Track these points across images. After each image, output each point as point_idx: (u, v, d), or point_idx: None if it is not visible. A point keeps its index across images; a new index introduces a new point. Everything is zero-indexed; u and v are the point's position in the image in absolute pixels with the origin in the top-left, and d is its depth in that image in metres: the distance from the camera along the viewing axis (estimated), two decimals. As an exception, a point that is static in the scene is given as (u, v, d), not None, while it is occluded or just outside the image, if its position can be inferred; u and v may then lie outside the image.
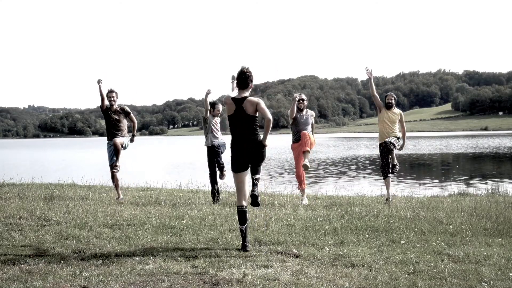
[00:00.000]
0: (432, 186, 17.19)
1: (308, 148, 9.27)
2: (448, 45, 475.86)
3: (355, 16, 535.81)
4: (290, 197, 10.55)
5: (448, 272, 4.65)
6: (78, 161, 36.86)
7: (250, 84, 5.68)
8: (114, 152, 9.58)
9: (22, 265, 4.82)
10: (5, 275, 4.47)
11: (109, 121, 9.69)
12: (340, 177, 21.40)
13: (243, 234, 5.53)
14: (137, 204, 9.11)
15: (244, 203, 5.63)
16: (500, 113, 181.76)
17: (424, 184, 18.11)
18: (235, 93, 5.83)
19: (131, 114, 9.90)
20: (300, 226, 6.80)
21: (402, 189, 14.39)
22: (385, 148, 9.38)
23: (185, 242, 5.88)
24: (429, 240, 6.02)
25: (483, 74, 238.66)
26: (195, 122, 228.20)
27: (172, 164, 32.41)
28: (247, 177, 5.69)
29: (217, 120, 9.76)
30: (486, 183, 17.19)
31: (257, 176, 5.71)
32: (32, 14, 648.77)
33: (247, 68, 5.67)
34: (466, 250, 5.52)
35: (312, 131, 9.63)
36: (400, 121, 9.59)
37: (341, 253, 5.37)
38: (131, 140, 9.94)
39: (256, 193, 5.65)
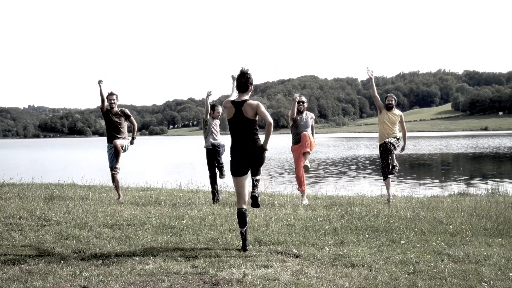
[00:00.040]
0: (432, 186, 17.19)
1: (308, 149, 9.27)
2: (448, 45, 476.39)
3: (355, 16, 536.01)
4: (290, 197, 10.55)
5: (448, 272, 4.65)
6: (78, 161, 36.87)
7: (250, 87, 5.65)
8: (114, 154, 9.57)
9: (22, 265, 4.82)
10: (5, 275, 4.47)
11: (109, 124, 9.68)
12: (340, 177, 21.40)
13: (243, 237, 5.53)
14: (137, 204, 9.12)
15: (244, 206, 5.62)
16: (500, 113, 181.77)
17: (424, 184, 18.11)
18: (234, 96, 5.80)
19: (131, 117, 9.89)
20: (300, 226, 6.80)
21: (402, 189, 14.40)
22: (385, 149, 9.38)
23: (185, 242, 5.88)
24: (429, 240, 6.02)
25: (483, 74, 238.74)
26: (195, 122, 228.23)
27: (172, 164, 32.42)
28: (247, 180, 5.69)
29: (217, 122, 9.77)
30: (486, 183, 17.19)
31: (257, 177, 5.69)
32: (32, 14, 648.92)
33: (247, 70, 5.64)
34: (466, 250, 5.51)
35: (312, 133, 9.62)
36: (401, 122, 9.59)
37: (341, 253, 5.37)
38: (131, 143, 9.94)
39: (257, 195, 5.63)
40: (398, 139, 9.50)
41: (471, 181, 18.69)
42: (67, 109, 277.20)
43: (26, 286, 4.22)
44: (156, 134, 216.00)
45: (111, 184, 10.54)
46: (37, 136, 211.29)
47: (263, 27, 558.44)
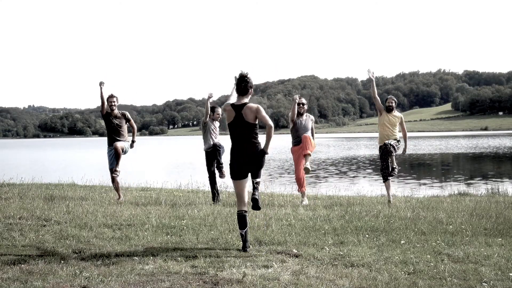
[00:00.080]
0: (432, 186, 17.20)
1: (309, 151, 9.28)
2: (448, 45, 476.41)
3: (355, 16, 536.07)
4: (290, 197, 10.56)
5: (448, 272, 4.65)
6: (78, 161, 36.88)
7: (250, 91, 5.64)
8: (114, 156, 9.56)
9: (22, 265, 4.82)
10: (5, 275, 4.47)
11: (110, 126, 9.66)
12: (340, 177, 21.40)
13: (244, 238, 5.53)
14: (137, 204, 9.11)
15: (244, 208, 5.61)
16: (500, 113, 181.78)
17: (424, 184, 18.11)
18: (234, 99, 5.78)
19: (131, 121, 9.87)
20: (300, 226, 6.80)
21: (402, 189, 14.40)
22: (385, 151, 9.38)
23: (185, 242, 5.88)
24: (429, 240, 6.02)
25: (483, 74, 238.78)
26: (195, 122, 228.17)
27: (172, 164, 32.42)
28: (247, 183, 5.68)
29: (216, 124, 9.76)
30: (486, 183, 17.20)
31: (258, 179, 5.67)
32: (32, 14, 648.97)
33: (247, 74, 5.62)
34: (466, 250, 5.51)
35: (312, 135, 9.61)
36: (401, 124, 9.60)
37: (341, 253, 5.37)
38: (131, 146, 9.92)
39: (257, 197, 5.61)
40: (398, 141, 9.51)
41: (471, 181, 18.69)
42: (67, 109, 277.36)
43: (26, 286, 4.22)
44: (156, 134, 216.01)
45: (111, 184, 10.54)
46: (37, 136, 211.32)
47: (263, 27, 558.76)
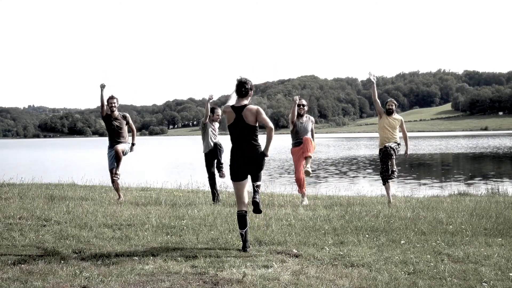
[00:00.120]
0: (432, 186, 17.20)
1: (310, 154, 9.29)
2: (448, 45, 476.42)
3: (355, 16, 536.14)
4: (290, 197, 10.56)
5: (448, 272, 4.65)
6: (78, 161, 36.88)
7: (250, 93, 5.65)
8: (114, 158, 9.55)
9: (22, 265, 4.82)
10: (5, 275, 4.47)
11: (110, 128, 9.64)
12: (340, 177, 21.40)
13: (244, 238, 5.53)
14: (137, 204, 9.11)
15: (244, 208, 5.61)
16: (500, 113, 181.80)
17: (424, 184, 18.12)
18: (233, 101, 5.77)
19: (131, 123, 9.85)
20: (300, 226, 6.80)
21: (402, 189, 14.41)
22: (385, 153, 9.39)
23: (185, 242, 5.88)
24: (429, 240, 6.02)
25: (483, 74, 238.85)
26: (195, 122, 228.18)
27: (172, 164, 32.42)
28: (247, 184, 5.68)
29: (216, 125, 9.75)
30: (486, 183, 17.20)
31: (258, 183, 5.66)
32: (32, 14, 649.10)
33: (246, 80, 5.61)
34: (466, 250, 5.51)
35: (312, 136, 9.60)
36: (401, 126, 9.60)
37: (341, 253, 5.37)
38: (131, 149, 9.90)
39: (258, 200, 5.60)
40: (398, 144, 9.53)
41: (471, 181, 18.69)
42: (67, 109, 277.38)
43: (26, 286, 4.22)
44: (156, 134, 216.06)
45: (111, 184, 10.54)
46: (37, 136, 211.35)
47: (263, 27, 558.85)
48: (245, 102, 5.61)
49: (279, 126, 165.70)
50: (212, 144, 9.53)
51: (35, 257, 5.13)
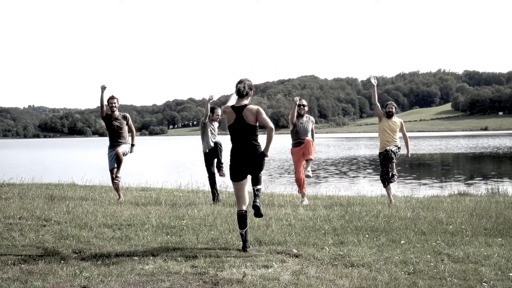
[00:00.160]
0: (432, 186, 17.20)
1: (311, 156, 9.31)
2: (448, 45, 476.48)
3: (355, 16, 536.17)
4: (290, 197, 10.56)
5: (448, 272, 4.65)
6: (78, 161, 36.88)
7: (250, 93, 5.66)
8: (116, 161, 9.55)
9: (22, 265, 4.82)
10: (5, 275, 4.47)
11: (110, 128, 9.64)
12: (340, 177, 21.40)
13: (244, 238, 5.52)
14: (137, 204, 9.11)
15: (244, 208, 5.61)
16: (500, 113, 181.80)
17: (424, 184, 18.12)
18: (233, 101, 5.77)
19: (131, 124, 9.85)
20: (300, 226, 6.80)
21: (402, 189, 14.42)
22: (386, 157, 9.40)
23: (185, 242, 5.88)
24: (429, 240, 6.02)
25: (483, 74, 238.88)
26: (195, 122, 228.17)
27: (172, 164, 32.43)
28: (247, 184, 5.68)
29: (216, 125, 9.76)
30: (486, 183, 17.21)
31: (259, 186, 5.66)
32: (32, 14, 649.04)
33: (245, 80, 5.62)
34: (466, 250, 5.51)
35: (312, 137, 9.61)
36: (401, 129, 9.61)
37: (341, 253, 5.37)
38: (131, 150, 9.90)
39: (258, 204, 5.60)
40: (399, 148, 9.55)
41: (471, 181, 18.69)
42: (67, 109, 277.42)
43: (26, 286, 4.22)
44: (156, 134, 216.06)
45: (111, 184, 10.55)
46: (37, 136, 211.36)
47: (263, 27, 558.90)
48: (245, 102, 5.61)
49: (279, 126, 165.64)
50: (211, 143, 9.54)
51: (35, 257, 5.13)
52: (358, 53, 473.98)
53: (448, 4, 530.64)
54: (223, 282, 4.33)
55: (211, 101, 9.51)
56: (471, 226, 6.83)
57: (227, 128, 5.71)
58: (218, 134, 9.82)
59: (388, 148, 9.39)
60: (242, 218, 5.55)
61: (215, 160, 9.64)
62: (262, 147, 5.60)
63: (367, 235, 6.31)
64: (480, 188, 15.01)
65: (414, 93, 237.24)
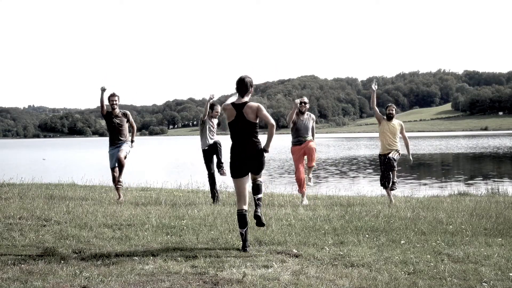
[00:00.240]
0: (432, 186, 17.20)
1: (314, 163, 9.37)
2: (448, 45, 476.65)
3: (355, 16, 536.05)
4: (290, 197, 10.56)
5: (448, 272, 4.64)
6: (78, 161, 36.88)
7: (250, 89, 5.67)
8: (116, 159, 9.55)
9: (22, 265, 4.81)
10: (5, 275, 4.47)
11: (111, 126, 9.65)
12: (340, 177, 21.40)
13: (244, 237, 5.52)
14: (137, 204, 9.11)
15: (244, 207, 5.60)
16: (500, 113, 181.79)
17: (424, 184, 18.11)
18: (233, 99, 5.77)
19: (132, 121, 9.88)
20: (300, 226, 6.80)
21: (402, 189, 14.40)
22: (388, 164, 9.42)
23: (185, 242, 5.88)
24: (429, 240, 6.02)
25: (483, 74, 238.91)
26: (195, 122, 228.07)
27: (172, 164, 32.42)
28: (247, 182, 5.68)
29: (215, 121, 9.76)
30: (486, 183, 17.21)
31: (259, 196, 5.67)
32: (32, 14, 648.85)
33: (245, 77, 5.63)
34: (466, 250, 5.51)
35: (313, 134, 9.62)
36: (401, 132, 9.62)
37: (341, 253, 5.37)
38: (131, 146, 9.92)
39: (259, 214, 5.61)
40: (399, 153, 9.58)
41: (471, 181, 18.69)
42: (67, 109, 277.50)
43: (26, 286, 4.21)
44: (156, 134, 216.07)
45: (111, 184, 10.55)
46: (37, 136, 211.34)
47: (263, 27, 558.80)
48: (246, 99, 5.62)
49: (279, 126, 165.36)
50: (210, 140, 9.55)
51: (35, 257, 5.13)
52: (358, 53, 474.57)
53: (448, 4, 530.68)
54: (223, 282, 4.33)
55: (211, 100, 9.51)
56: (471, 226, 6.83)
57: (226, 128, 5.72)
58: (217, 134, 9.83)
59: (390, 156, 9.39)
60: (242, 217, 5.55)
61: (214, 156, 9.64)
62: (262, 145, 5.61)
63: (367, 235, 6.30)
64: (480, 188, 15.01)
65: (414, 93, 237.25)
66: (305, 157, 9.49)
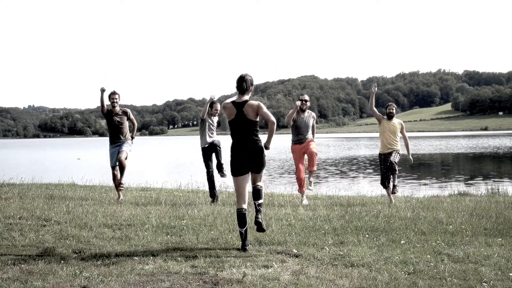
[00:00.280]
0: (432, 186, 17.20)
1: (315, 168, 9.40)
2: (448, 45, 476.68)
3: (355, 16, 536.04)
4: (290, 197, 10.56)
5: (448, 272, 4.64)
6: (78, 161, 36.85)
7: (251, 88, 5.67)
8: (119, 168, 9.55)
9: (22, 265, 4.81)
10: (5, 275, 4.47)
11: (111, 124, 9.65)
12: (340, 177, 21.40)
13: (243, 237, 5.52)
14: (137, 204, 9.11)
15: (244, 206, 5.60)
16: (500, 113, 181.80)
17: (424, 184, 18.11)
18: (234, 97, 5.78)
19: (132, 118, 9.90)
20: (300, 226, 6.80)
21: (402, 189, 14.39)
22: (389, 167, 9.42)
23: (185, 242, 5.88)
24: (429, 240, 6.02)
25: (483, 74, 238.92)
26: (195, 122, 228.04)
27: (172, 164, 32.42)
28: (247, 180, 5.68)
29: (215, 119, 9.77)
30: (486, 183, 17.20)
31: (260, 201, 5.67)
32: (32, 14, 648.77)
33: (246, 75, 5.64)
34: (466, 250, 5.51)
35: (313, 133, 9.62)
36: (401, 131, 9.63)
37: (341, 253, 5.37)
38: (131, 143, 9.93)
39: (260, 220, 5.61)
40: (399, 154, 9.59)
41: (471, 181, 18.69)
42: (67, 109, 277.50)
43: (26, 286, 4.22)
44: (156, 134, 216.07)
45: (111, 184, 10.55)
46: (37, 136, 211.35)
47: (263, 27, 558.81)
48: (246, 97, 5.62)
49: (279, 126, 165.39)
50: (209, 139, 9.56)
51: (35, 257, 5.13)
52: (358, 53, 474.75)
53: (448, 4, 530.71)
54: (223, 282, 4.33)
55: (211, 100, 9.51)
56: (471, 226, 6.83)
57: (226, 128, 5.72)
58: (217, 134, 9.83)
59: (392, 159, 9.39)
60: (241, 217, 5.55)
61: (214, 156, 9.65)
62: (263, 144, 5.62)
63: (367, 235, 6.30)
64: (480, 188, 15.00)
65: (414, 93, 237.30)
66: (306, 157, 9.49)
